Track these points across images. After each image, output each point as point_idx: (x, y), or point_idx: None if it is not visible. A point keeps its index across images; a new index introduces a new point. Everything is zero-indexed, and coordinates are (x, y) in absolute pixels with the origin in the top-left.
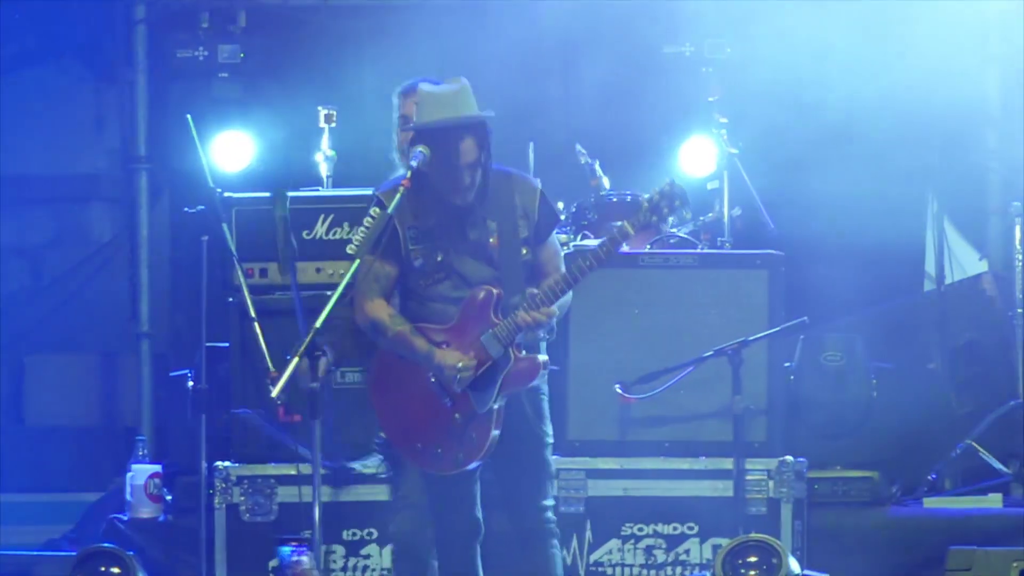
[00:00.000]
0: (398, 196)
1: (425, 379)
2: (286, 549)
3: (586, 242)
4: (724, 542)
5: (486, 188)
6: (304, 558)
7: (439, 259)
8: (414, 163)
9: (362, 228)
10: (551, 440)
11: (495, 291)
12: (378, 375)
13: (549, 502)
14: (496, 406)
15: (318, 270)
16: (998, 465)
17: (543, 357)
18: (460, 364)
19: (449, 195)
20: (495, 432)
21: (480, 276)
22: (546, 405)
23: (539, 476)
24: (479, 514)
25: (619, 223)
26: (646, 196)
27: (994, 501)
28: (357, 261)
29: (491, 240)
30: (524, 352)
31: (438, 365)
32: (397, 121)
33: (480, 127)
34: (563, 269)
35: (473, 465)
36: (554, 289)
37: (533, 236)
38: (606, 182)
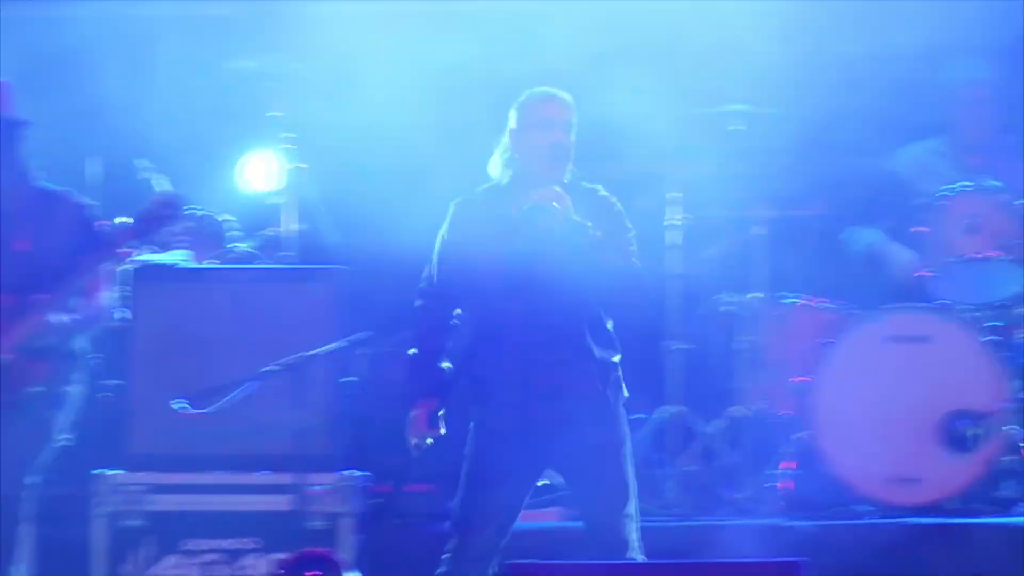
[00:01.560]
0: None
1: None
2: None
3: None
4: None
5: (16, 193)
6: None
7: None
8: None
9: None
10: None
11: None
12: None
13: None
14: None
15: None
16: (559, 478)
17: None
18: None
19: None
20: None
21: (10, 281)
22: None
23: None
24: None
25: None
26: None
27: (553, 515)
28: None
29: (22, 245)
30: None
31: None
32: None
33: None
34: None
35: None
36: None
37: (68, 248)
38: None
